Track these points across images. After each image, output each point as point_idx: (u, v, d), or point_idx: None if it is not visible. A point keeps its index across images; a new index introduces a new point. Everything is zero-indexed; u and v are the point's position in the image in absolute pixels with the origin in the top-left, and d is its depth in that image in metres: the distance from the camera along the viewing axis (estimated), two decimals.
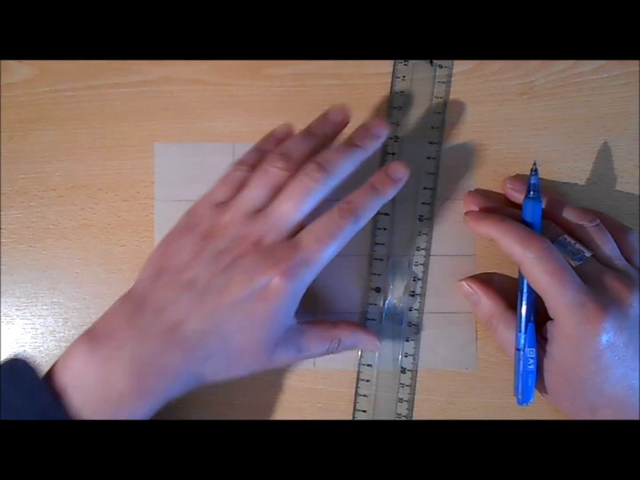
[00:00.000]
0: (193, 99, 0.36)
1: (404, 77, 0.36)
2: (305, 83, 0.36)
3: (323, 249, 0.29)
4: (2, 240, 0.36)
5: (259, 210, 0.30)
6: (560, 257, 0.31)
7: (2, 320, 0.36)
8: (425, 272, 0.36)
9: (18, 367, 0.28)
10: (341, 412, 0.36)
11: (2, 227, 0.36)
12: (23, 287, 0.36)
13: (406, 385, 0.35)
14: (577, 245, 0.32)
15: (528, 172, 0.33)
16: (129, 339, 0.29)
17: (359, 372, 0.36)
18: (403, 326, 0.36)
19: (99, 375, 0.28)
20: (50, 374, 0.29)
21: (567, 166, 0.36)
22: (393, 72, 0.36)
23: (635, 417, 0.30)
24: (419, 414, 0.36)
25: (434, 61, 0.35)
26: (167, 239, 0.32)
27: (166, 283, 0.30)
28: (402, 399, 0.35)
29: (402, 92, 0.36)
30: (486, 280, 0.35)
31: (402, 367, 0.35)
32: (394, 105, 0.36)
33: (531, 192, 0.33)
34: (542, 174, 0.35)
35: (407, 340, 0.36)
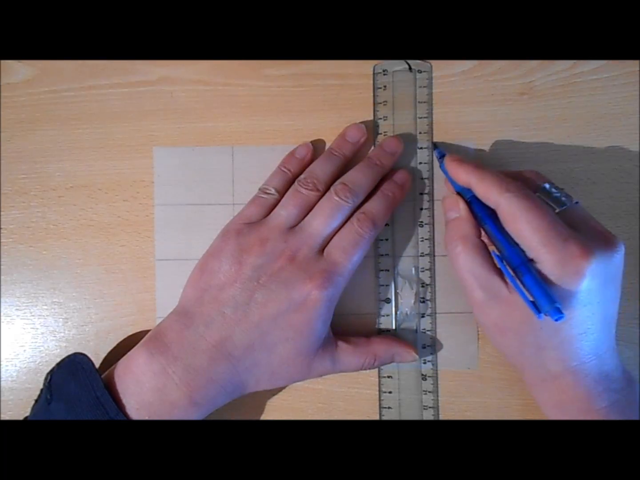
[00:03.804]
0: (193, 99, 0.36)
1: (385, 86, 0.36)
2: (305, 83, 0.36)
3: (349, 259, 0.32)
4: (2, 240, 0.36)
5: (291, 228, 0.33)
6: (540, 200, 0.30)
7: (2, 320, 0.36)
8: (432, 277, 0.36)
9: (77, 361, 0.31)
10: (341, 412, 0.36)
11: (2, 227, 0.36)
12: (23, 287, 0.36)
13: (429, 392, 0.36)
14: (564, 192, 0.31)
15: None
16: (183, 353, 0.31)
17: (380, 384, 0.36)
18: (418, 334, 0.36)
19: (154, 384, 0.30)
20: (112, 375, 0.31)
21: (567, 166, 0.36)
22: (373, 83, 0.36)
23: (595, 386, 0.30)
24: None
25: (413, 67, 0.36)
26: (203, 260, 0.33)
27: (209, 301, 0.32)
28: (427, 406, 0.36)
29: (385, 101, 0.36)
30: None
31: (422, 375, 0.36)
32: (380, 117, 0.36)
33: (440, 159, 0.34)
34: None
35: (424, 347, 0.36)
